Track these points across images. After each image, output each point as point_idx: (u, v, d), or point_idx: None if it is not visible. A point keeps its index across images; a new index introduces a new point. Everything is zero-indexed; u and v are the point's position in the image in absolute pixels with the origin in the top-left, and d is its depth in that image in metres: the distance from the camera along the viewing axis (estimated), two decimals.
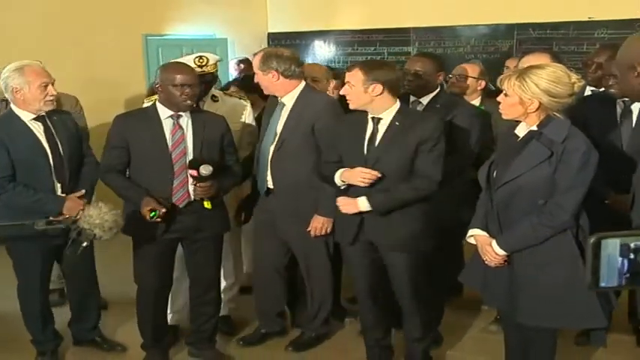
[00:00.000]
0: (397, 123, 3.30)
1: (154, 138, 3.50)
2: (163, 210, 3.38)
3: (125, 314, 4.47)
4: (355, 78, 3.29)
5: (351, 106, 3.37)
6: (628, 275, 1.30)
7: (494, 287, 2.98)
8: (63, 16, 6.49)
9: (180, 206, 3.50)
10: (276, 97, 3.80)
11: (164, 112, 3.51)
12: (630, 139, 3.42)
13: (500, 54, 7.26)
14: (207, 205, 3.49)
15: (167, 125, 3.52)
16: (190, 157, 3.48)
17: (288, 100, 3.73)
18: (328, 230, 3.70)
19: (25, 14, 6.24)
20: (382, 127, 3.32)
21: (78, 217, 3.08)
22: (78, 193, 3.60)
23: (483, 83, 4.33)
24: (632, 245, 1.30)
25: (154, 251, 3.60)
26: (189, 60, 3.88)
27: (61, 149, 3.59)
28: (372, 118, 3.35)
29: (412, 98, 3.81)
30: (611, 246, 1.30)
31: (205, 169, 3.37)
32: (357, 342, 3.86)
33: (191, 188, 3.48)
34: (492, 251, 2.88)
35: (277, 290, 4.05)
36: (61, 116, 3.70)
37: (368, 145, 3.34)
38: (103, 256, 4.06)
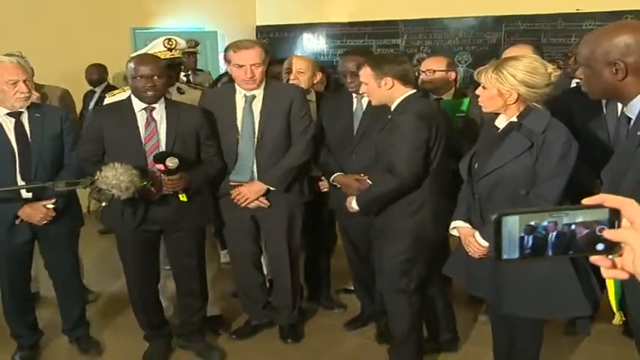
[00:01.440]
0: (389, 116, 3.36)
1: (126, 130, 3.48)
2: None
3: (114, 308, 4.57)
4: (366, 75, 3.33)
5: (374, 103, 3.42)
6: (529, 250, 1.39)
7: (479, 278, 2.99)
8: (51, 9, 6.49)
9: (155, 198, 3.49)
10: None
11: (138, 105, 3.50)
12: (616, 130, 3.44)
13: (488, 46, 7.29)
14: (182, 197, 3.48)
15: (141, 117, 3.50)
16: (163, 149, 3.46)
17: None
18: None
19: (12, 6, 6.24)
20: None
21: (96, 177, 3.17)
22: (47, 202, 3.51)
23: (453, 74, 4.33)
24: (531, 223, 1.39)
25: (135, 242, 3.62)
26: (158, 43, 3.90)
27: (31, 147, 3.49)
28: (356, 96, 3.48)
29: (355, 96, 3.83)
30: (511, 222, 1.39)
31: (171, 162, 3.33)
32: (345, 334, 3.98)
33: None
34: (476, 242, 2.90)
35: (258, 283, 4.08)
36: (46, 112, 3.61)
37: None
38: (92, 251, 4.09)
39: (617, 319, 2.45)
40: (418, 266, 3.35)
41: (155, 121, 3.50)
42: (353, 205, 3.40)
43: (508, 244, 1.42)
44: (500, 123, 2.88)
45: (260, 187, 3.76)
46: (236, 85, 3.80)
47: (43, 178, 3.48)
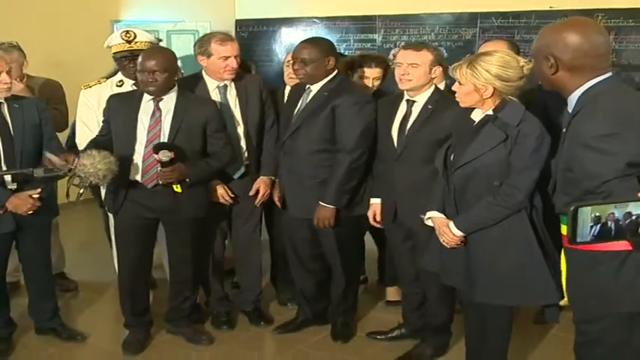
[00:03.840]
0: (430, 106, 3.44)
1: (128, 119, 3.58)
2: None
3: (94, 297, 4.62)
4: (423, 58, 3.39)
5: (405, 86, 3.45)
6: (597, 234, 1.86)
7: (452, 268, 3.04)
8: (29, 1, 6.45)
9: (148, 186, 3.56)
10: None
11: (146, 96, 3.60)
12: None
13: (463, 42, 7.35)
14: (176, 189, 3.53)
15: (148, 107, 3.58)
16: (165, 140, 3.53)
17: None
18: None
19: None
20: (416, 110, 3.48)
21: (74, 165, 3.21)
22: (33, 192, 3.50)
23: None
24: (598, 213, 1.84)
25: (132, 230, 3.69)
26: (115, 35, 3.96)
27: (13, 138, 3.51)
28: (407, 100, 3.49)
29: (307, 85, 3.76)
30: (585, 212, 1.82)
31: (163, 155, 3.40)
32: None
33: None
34: (450, 232, 2.94)
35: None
36: (23, 103, 3.63)
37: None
38: (74, 240, 4.13)
39: (565, 301, 2.59)
40: None
41: (160, 111, 3.57)
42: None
43: (582, 230, 1.80)
44: (476, 116, 2.93)
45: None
46: (206, 76, 3.91)
47: (29, 167, 3.45)
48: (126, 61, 4.04)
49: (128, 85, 4.01)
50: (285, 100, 4.11)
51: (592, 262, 2.32)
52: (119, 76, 4.16)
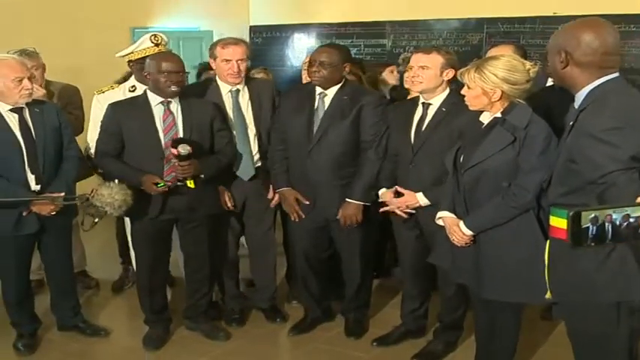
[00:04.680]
0: (444, 109, 3.49)
1: (144, 124, 3.64)
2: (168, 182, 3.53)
3: (115, 294, 4.74)
4: (433, 61, 3.44)
5: (416, 88, 3.52)
6: (595, 238, 1.89)
7: (462, 266, 3.09)
8: (52, 8, 6.53)
9: (171, 186, 3.63)
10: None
11: (154, 99, 3.66)
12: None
13: (470, 47, 7.41)
14: (190, 184, 3.59)
15: (158, 111, 3.66)
16: None
17: None
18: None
19: (13, 3, 6.27)
20: (431, 112, 3.53)
21: (92, 195, 3.29)
22: (56, 195, 3.59)
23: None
24: (595, 216, 1.87)
25: (150, 231, 3.76)
26: (146, 39, 4.02)
27: (35, 141, 3.59)
28: (423, 103, 3.53)
29: (318, 90, 3.81)
30: (585, 216, 1.86)
31: (183, 149, 3.48)
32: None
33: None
34: (460, 231, 2.99)
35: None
36: (43, 107, 3.71)
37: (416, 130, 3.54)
38: (95, 239, 4.24)
39: (548, 294, 2.61)
40: None
41: (172, 114, 3.65)
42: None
43: (583, 233, 1.84)
44: (485, 118, 3.00)
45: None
46: (219, 81, 3.97)
47: (50, 170, 3.63)
48: None
49: (141, 91, 4.02)
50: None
51: (578, 253, 2.33)
52: (132, 81, 4.22)
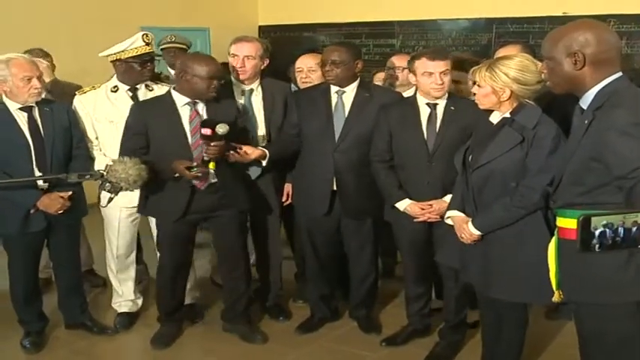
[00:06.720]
0: (452, 107, 3.51)
1: (172, 125, 3.60)
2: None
3: None
4: (449, 66, 3.46)
5: (441, 94, 3.49)
6: (607, 243, 1.89)
7: (470, 265, 3.10)
8: (62, 6, 6.59)
9: (202, 189, 3.62)
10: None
11: (180, 100, 3.62)
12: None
13: (479, 47, 7.44)
14: (212, 166, 3.53)
15: (185, 112, 3.62)
16: None
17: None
18: None
19: (24, 2, 6.34)
20: (440, 111, 3.53)
21: (106, 171, 3.28)
22: (64, 194, 3.61)
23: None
24: (606, 222, 1.87)
25: (175, 231, 3.73)
26: (138, 38, 3.94)
27: (44, 140, 3.60)
28: (428, 104, 3.52)
29: (336, 88, 3.81)
30: (595, 221, 1.86)
31: (222, 128, 3.43)
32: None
33: (212, 172, 3.55)
34: (468, 230, 3.00)
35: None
36: (54, 107, 3.72)
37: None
38: (102, 238, 4.23)
39: (557, 296, 2.60)
40: None
41: (199, 115, 3.62)
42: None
43: (593, 238, 1.85)
44: (494, 118, 3.00)
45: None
46: (234, 80, 3.97)
47: (58, 169, 3.62)
48: (143, 63, 3.96)
49: (122, 91, 3.96)
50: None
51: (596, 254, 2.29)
52: (114, 81, 4.05)
